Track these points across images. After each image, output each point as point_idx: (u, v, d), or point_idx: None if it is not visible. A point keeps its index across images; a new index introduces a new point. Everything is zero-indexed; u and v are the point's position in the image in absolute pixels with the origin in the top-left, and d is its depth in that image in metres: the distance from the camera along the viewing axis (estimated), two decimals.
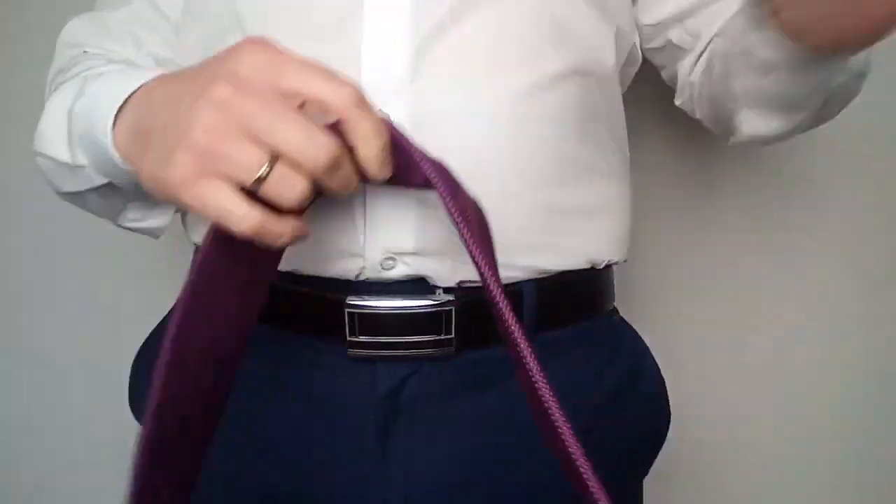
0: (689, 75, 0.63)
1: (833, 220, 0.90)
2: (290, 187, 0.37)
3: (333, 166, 0.38)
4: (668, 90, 0.68)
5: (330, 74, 0.38)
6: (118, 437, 0.85)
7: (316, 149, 0.36)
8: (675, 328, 0.89)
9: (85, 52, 0.60)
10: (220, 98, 0.37)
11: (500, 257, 0.52)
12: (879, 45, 0.44)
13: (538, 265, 0.54)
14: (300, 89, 0.37)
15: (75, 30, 0.62)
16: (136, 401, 0.64)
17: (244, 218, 0.37)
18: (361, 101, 0.39)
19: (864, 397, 0.92)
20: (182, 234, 0.62)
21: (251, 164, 0.36)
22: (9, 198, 0.91)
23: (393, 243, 0.51)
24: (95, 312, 0.94)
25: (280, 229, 0.38)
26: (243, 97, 0.36)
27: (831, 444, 0.93)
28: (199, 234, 0.58)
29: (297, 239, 0.40)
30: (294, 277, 0.53)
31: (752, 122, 0.56)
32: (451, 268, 0.52)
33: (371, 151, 0.39)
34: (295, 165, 0.37)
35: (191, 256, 0.62)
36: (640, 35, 0.65)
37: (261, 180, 0.37)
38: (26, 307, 0.94)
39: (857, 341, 0.91)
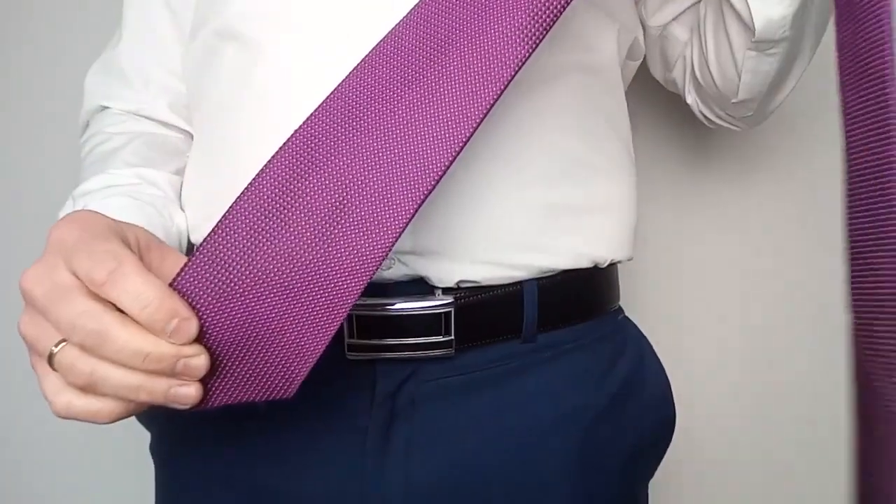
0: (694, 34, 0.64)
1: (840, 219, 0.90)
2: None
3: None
4: (665, 88, 0.68)
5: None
6: (119, 435, 0.86)
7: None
8: (678, 327, 0.89)
9: (103, 107, 0.62)
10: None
11: (500, 256, 0.52)
12: None
13: (539, 264, 0.53)
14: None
15: (93, 84, 0.64)
16: None
17: (52, 401, 0.38)
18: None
19: None
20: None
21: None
22: (9, 198, 0.91)
23: None
24: None
25: (90, 411, 0.38)
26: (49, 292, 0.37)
27: (839, 445, 0.92)
28: (195, 236, 0.58)
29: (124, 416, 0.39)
30: None
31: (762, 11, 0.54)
32: (450, 268, 0.51)
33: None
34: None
35: None
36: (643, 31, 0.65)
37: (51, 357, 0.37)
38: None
39: None
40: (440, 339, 0.52)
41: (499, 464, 0.54)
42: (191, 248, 0.60)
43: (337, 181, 0.41)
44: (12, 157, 0.91)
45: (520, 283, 0.53)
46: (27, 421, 0.95)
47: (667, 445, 0.64)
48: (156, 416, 0.62)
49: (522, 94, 0.52)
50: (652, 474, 0.64)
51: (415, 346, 0.52)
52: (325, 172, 0.41)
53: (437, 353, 0.52)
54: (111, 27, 0.65)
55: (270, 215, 0.40)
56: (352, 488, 0.53)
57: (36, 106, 0.89)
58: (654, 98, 0.75)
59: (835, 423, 0.92)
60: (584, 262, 0.56)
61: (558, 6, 0.41)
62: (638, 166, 0.62)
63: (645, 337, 0.63)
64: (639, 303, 0.67)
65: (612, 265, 0.60)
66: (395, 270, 0.51)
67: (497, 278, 0.52)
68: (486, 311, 0.53)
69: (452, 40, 0.42)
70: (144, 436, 0.63)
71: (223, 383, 0.41)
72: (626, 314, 0.64)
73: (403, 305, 0.51)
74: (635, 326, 0.63)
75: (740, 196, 0.91)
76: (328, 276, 0.41)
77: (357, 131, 0.41)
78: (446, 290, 0.52)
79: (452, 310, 0.51)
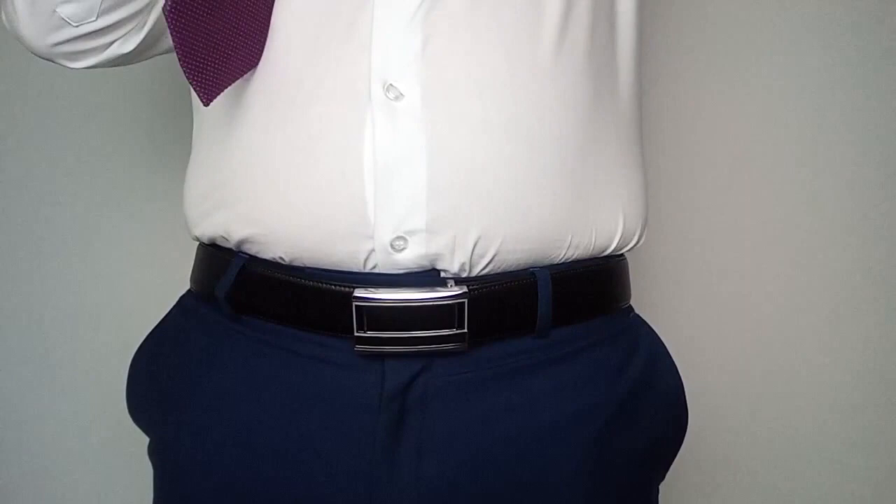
0: None
1: (845, 213, 0.91)
2: None
3: None
4: (672, 86, 0.68)
5: None
6: (118, 437, 0.85)
7: None
8: (688, 325, 0.89)
9: None
10: None
11: (513, 233, 0.51)
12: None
13: (552, 240, 0.52)
14: None
15: None
16: (134, 406, 0.63)
17: None
18: None
19: (881, 391, 0.91)
20: (183, 235, 0.60)
21: None
22: (8, 199, 0.91)
23: (403, 221, 0.50)
24: (93, 313, 0.93)
25: None
26: None
27: (848, 444, 0.92)
28: (201, 228, 0.57)
29: None
30: (299, 271, 0.52)
31: None
32: (463, 245, 0.50)
33: None
34: None
35: (193, 254, 0.60)
36: None
37: None
38: (24, 308, 0.93)
39: (882, 335, 0.91)
40: (453, 331, 0.50)
41: (512, 463, 0.53)
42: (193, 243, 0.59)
43: None
44: (11, 158, 0.90)
45: (533, 274, 0.52)
46: (23, 425, 0.94)
47: (679, 445, 0.62)
48: (154, 419, 0.60)
49: (539, 70, 0.51)
50: (664, 474, 0.63)
51: (426, 340, 0.50)
52: None
53: (450, 346, 0.51)
54: None
55: None
56: (361, 489, 0.52)
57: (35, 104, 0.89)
58: (667, 94, 0.75)
59: (846, 423, 0.92)
60: (595, 243, 0.55)
61: None
62: (649, 161, 0.62)
63: (657, 335, 0.62)
64: (650, 301, 0.67)
65: (623, 259, 0.59)
66: (407, 252, 0.50)
67: (510, 252, 0.51)
68: (500, 303, 0.52)
69: None
70: (141, 438, 0.62)
71: None
72: (638, 313, 0.63)
73: (415, 296, 0.50)
74: (647, 325, 0.62)
75: (754, 193, 0.91)
76: None
77: None
78: (459, 282, 0.51)
79: (466, 301, 0.50)
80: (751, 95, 0.88)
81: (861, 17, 0.89)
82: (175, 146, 0.75)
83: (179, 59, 0.47)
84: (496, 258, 0.51)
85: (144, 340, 0.63)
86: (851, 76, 0.88)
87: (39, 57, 0.57)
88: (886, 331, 0.91)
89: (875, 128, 0.90)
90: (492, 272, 0.52)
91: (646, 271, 0.66)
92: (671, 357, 0.62)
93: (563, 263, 0.54)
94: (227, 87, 0.51)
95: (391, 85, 0.49)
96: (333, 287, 0.51)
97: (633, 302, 0.63)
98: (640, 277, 0.64)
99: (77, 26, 0.54)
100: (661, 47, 0.71)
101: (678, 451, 0.62)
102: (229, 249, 0.55)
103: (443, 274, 0.51)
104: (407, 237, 0.50)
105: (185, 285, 0.62)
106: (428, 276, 0.51)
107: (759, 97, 0.89)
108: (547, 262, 0.53)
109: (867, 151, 0.90)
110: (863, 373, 0.92)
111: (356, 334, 0.50)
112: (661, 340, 0.62)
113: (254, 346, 0.54)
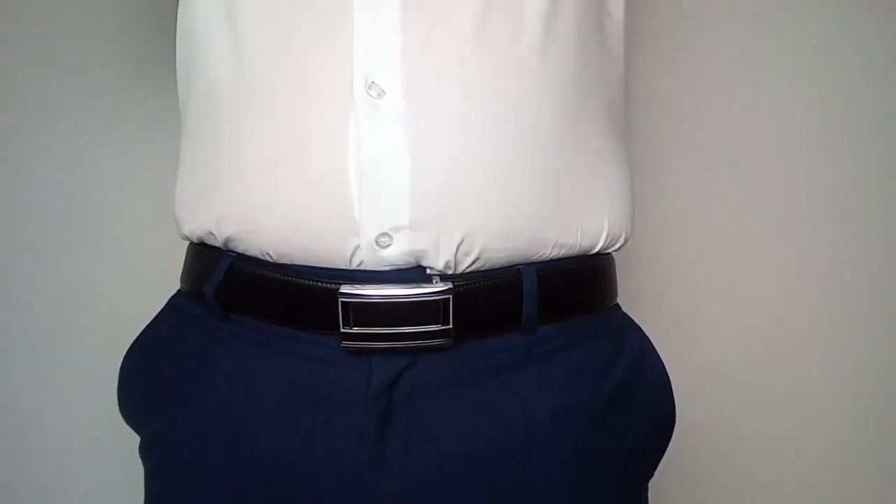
0: None
1: (840, 211, 0.91)
2: None
3: None
4: (659, 82, 0.68)
5: None
6: (112, 437, 0.85)
7: None
8: (677, 324, 0.89)
9: None
10: None
11: (498, 226, 0.51)
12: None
13: (538, 235, 0.53)
14: None
15: None
16: (125, 405, 0.63)
17: None
18: None
19: (874, 390, 0.91)
20: (174, 235, 0.61)
21: None
22: (7, 198, 0.91)
23: (388, 218, 0.50)
24: (84, 313, 0.94)
25: None
26: None
27: (841, 443, 0.92)
28: (190, 227, 0.57)
29: None
30: (286, 268, 0.52)
31: None
32: (448, 240, 0.51)
33: None
34: None
35: (184, 253, 0.61)
36: None
37: None
38: (17, 309, 0.93)
39: (866, 332, 0.91)
40: (438, 327, 0.51)
41: (500, 460, 0.53)
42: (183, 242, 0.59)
43: None
44: (10, 157, 0.90)
45: (519, 271, 0.53)
46: (18, 425, 0.94)
47: (666, 444, 0.63)
48: (145, 418, 0.61)
49: (521, 67, 0.52)
50: (652, 473, 0.63)
51: (412, 336, 0.51)
52: None
53: (435, 342, 0.51)
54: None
55: None
56: (352, 486, 0.52)
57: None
58: (654, 91, 0.75)
59: (834, 421, 0.92)
60: (581, 243, 0.55)
61: None
62: (637, 158, 0.62)
63: (645, 334, 0.63)
64: (638, 299, 0.67)
65: (610, 257, 0.60)
66: (392, 249, 0.50)
67: (495, 251, 0.52)
68: (485, 300, 0.52)
69: None
70: (134, 438, 0.62)
71: None
72: (626, 311, 0.63)
73: (401, 292, 0.50)
74: (634, 323, 0.63)
75: (742, 192, 0.91)
76: None
77: None
78: (445, 278, 0.51)
79: (451, 297, 0.50)
80: (740, 91, 0.89)
81: (860, 15, 0.89)
82: (168, 146, 0.75)
83: None
84: (481, 257, 0.51)
85: (135, 340, 0.63)
86: (848, 74, 0.88)
87: None
88: (877, 328, 0.91)
89: (873, 126, 0.90)
90: (477, 270, 0.52)
91: (633, 269, 0.66)
92: (658, 355, 0.62)
93: (549, 261, 0.54)
94: None
95: (373, 82, 0.50)
96: (320, 284, 0.51)
97: (620, 300, 0.63)
98: (627, 275, 0.64)
99: None
100: (649, 41, 0.71)
101: (666, 448, 0.63)
102: (217, 248, 0.55)
103: (428, 271, 0.51)
104: (392, 234, 0.50)
105: (175, 285, 0.62)
106: (413, 273, 0.51)
107: (749, 93, 0.89)
108: (532, 260, 0.53)
109: (862, 149, 0.90)
110: (852, 370, 0.92)
111: (342, 330, 0.51)
112: (648, 338, 0.62)
113: (244, 343, 0.55)
